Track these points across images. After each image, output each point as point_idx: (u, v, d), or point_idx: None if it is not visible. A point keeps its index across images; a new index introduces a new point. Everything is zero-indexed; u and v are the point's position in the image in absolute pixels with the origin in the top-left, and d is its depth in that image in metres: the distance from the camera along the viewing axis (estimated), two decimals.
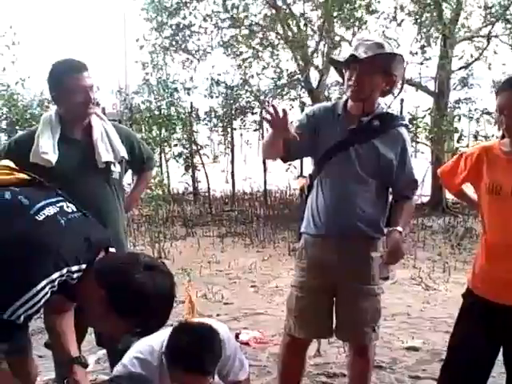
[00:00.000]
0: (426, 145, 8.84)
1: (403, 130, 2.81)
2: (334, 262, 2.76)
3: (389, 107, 2.89)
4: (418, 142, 8.78)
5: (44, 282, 1.75)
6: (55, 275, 1.78)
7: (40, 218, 1.86)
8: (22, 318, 1.75)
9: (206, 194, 10.28)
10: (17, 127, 10.38)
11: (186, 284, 4.85)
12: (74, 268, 1.84)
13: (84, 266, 1.87)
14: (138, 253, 2.23)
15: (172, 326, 2.59)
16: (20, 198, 1.92)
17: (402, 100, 8.97)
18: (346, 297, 2.80)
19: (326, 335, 3.01)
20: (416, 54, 9.07)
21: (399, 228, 2.70)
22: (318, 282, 2.80)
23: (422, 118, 8.62)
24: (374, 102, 2.77)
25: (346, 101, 2.80)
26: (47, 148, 2.80)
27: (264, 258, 6.69)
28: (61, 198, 1.99)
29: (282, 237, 7.65)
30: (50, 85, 2.87)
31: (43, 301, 1.77)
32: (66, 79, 2.78)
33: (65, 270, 1.81)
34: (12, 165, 2.15)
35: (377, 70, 2.66)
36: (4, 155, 2.76)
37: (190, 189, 10.57)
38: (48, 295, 1.78)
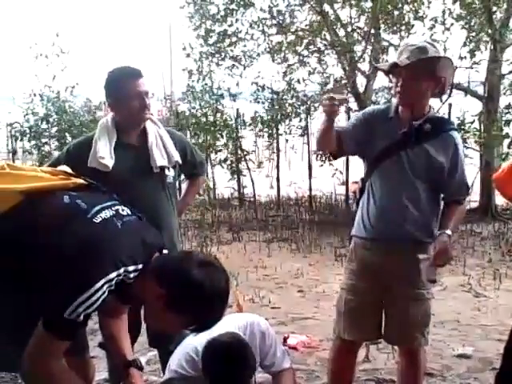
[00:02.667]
0: (475, 150, 8.69)
1: (455, 134, 2.80)
2: (383, 265, 2.77)
3: (437, 112, 2.87)
4: (467, 147, 8.63)
5: (102, 281, 1.81)
6: (113, 275, 1.84)
7: (97, 220, 1.94)
8: (81, 316, 1.81)
9: (252, 200, 10.32)
10: (66, 134, 10.64)
11: (233, 288, 4.90)
12: (131, 268, 1.90)
13: (140, 267, 1.93)
14: (191, 251, 2.29)
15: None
16: (78, 201, 2.00)
17: (451, 105, 8.82)
18: (395, 300, 2.79)
19: (375, 337, 3.02)
20: (465, 58, 8.93)
21: (448, 231, 2.68)
22: (367, 285, 2.81)
23: (471, 123, 8.46)
24: (424, 106, 2.77)
25: (398, 104, 2.81)
26: (104, 153, 2.88)
27: (310, 263, 6.69)
28: (116, 202, 2.07)
29: (328, 242, 7.62)
30: (107, 91, 2.95)
31: (101, 299, 1.84)
32: (124, 85, 2.86)
33: (122, 270, 1.87)
34: (69, 170, 2.23)
35: (422, 74, 2.66)
36: (62, 160, 2.85)
37: (236, 194, 10.63)
38: (106, 294, 1.84)
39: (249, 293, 5.43)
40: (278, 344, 2.63)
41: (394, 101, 2.86)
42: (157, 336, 3.05)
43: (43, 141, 10.94)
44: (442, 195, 2.85)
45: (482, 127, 8.67)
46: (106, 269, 1.83)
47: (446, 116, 8.88)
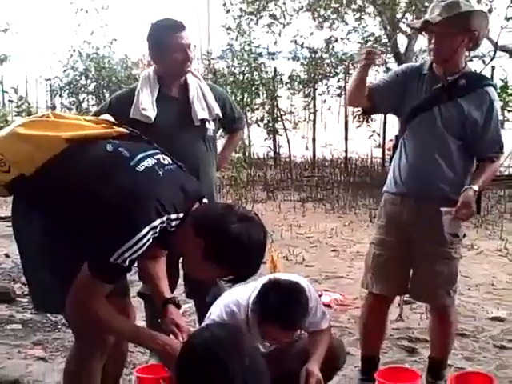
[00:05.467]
0: None
1: (491, 90, 2.75)
2: (411, 221, 2.78)
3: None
4: (510, 111, 8.44)
5: (147, 229, 1.85)
6: (157, 222, 1.88)
7: (140, 168, 1.97)
8: (127, 261, 1.87)
9: (287, 160, 10.31)
10: (104, 90, 10.72)
11: (268, 245, 4.93)
12: (173, 216, 1.94)
13: (181, 215, 1.96)
14: (232, 204, 2.32)
15: (257, 280, 2.68)
16: (121, 149, 2.03)
17: (494, 67, 8.60)
18: (421, 257, 2.80)
19: (402, 292, 3.06)
20: (511, 19, 8.66)
21: (475, 187, 2.65)
22: (395, 239, 2.83)
23: None
24: (458, 61, 2.73)
25: (432, 61, 2.77)
26: (147, 105, 2.91)
27: (345, 223, 6.69)
28: (158, 151, 2.09)
29: (363, 204, 7.61)
30: (149, 43, 2.96)
31: (146, 246, 1.88)
32: (166, 37, 2.86)
33: (165, 218, 1.91)
34: (111, 119, 2.26)
35: (454, 29, 2.63)
36: (105, 111, 2.88)
37: (271, 154, 10.63)
38: (150, 241, 1.89)
39: (283, 251, 5.47)
40: (319, 304, 2.66)
41: (429, 58, 2.83)
42: (194, 287, 3.12)
43: (82, 97, 11.05)
44: (475, 153, 2.81)
45: None
46: (150, 216, 1.87)
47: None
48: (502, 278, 4.84)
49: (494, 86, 2.87)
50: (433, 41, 2.66)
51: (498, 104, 2.79)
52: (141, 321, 3.48)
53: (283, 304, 2.33)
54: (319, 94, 10.61)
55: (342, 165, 10.09)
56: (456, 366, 3.24)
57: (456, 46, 2.66)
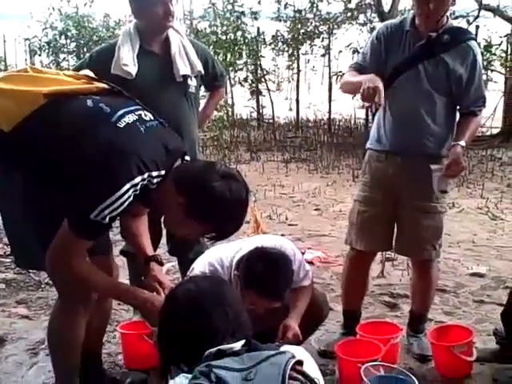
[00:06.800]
0: (501, 73, 8.49)
1: (473, 44, 2.76)
2: (396, 178, 2.80)
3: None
4: (493, 71, 8.43)
5: (128, 186, 1.84)
6: (138, 179, 1.86)
7: (121, 125, 1.94)
8: (107, 218, 1.86)
9: (271, 121, 10.27)
10: (85, 49, 10.52)
11: (251, 205, 4.95)
12: (154, 173, 1.92)
13: (163, 172, 1.95)
14: (214, 162, 2.30)
15: (243, 240, 2.69)
16: (101, 105, 1.99)
17: (478, 27, 8.55)
18: (406, 212, 2.83)
19: (386, 248, 3.09)
20: None
21: (462, 142, 2.68)
22: (380, 196, 2.85)
23: (499, 45, 8.22)
24: (444, 17, 2.71)
25: (414, 17, 2.75)
26: (127, 60, 2.86)
27: (328, 183, 6.71)
28: (139, 107, 2.06)
29: (346, 164, 7.63)
30: None
31: (127, 203, 1.87)
32: None
33: (146, 175, 1.89)
34: (91, 74, 2.22)
35: None
36: (86, 66, 2.83)
37: (255, 115, 10.57)
38: (131, 199, 1.88)
39: (266, 210, 5.49)
40: (303, 264, 2.67)
41: (410, 13, 2.81)
42: (177, 244, 3.12)
43: (62, 56, 10.84)
44: (458, 107, 2.83)
45: (510, 49, 8.43)
46: (131, 173, 1.85)
47: None
48: (483, 236, 4.91)
49: (476, 40, 2.87)
50: (431, 5, 2.60)
51: (480, 58, 2.79)
52: (124, 279, 3.48)
53: (270, 275, 2.34)
54: (303, 54, 10.51)
55: (326, 126, 10.08)
56: (436, 320, 3.29)
57: (448, 6, 2.67)
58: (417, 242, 2.85)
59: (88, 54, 3.09)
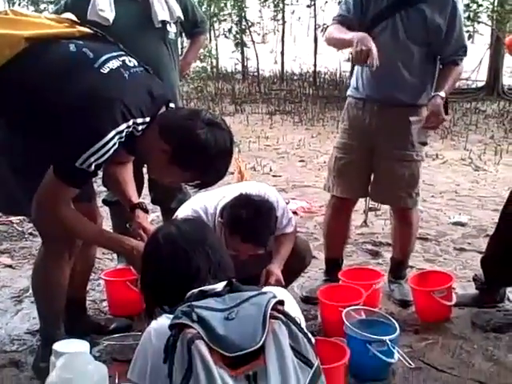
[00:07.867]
0: (487, 25, 8.43)
1: None
2: (373, 126, 2.81)
3: None
4: (480, 22, 8.38)
5: (113, 133, 1.81)
6: (123, 126, 1.84)
7: (105, 71, 1.90)
8: (92, 166, 1.83)
9: (255, 74, 10.17)
10: None
11: (235, 156, 4.92)
12: (139, 120, 1.89)
13: (148, 120, 1.92)
14: (199, 109, 2.27)
15: (226, 188, 2.68)
16: (84, 50, 1.95)
17: None
18: (382, 160, 2.84)
19: (362, 194, 3.09)
20: None
21: (442, 93, 2.67)
22: (357, 143, 2.86)
23: None
24: None
25: None
26: (104, 5, 2.79)
27: (313, 135, 6.70)
28: (123, 52, 2.01)
29: (331, 116, 7.61)
30: None
31: (112, 150, 1.85)
32: None
33: (131, 122, 1.87)
34: (74, 18, 2.16)
35: None
36: (60, 13, 2.75)
37: (239, 67, 10.46)
38: (116, 146, 1.85)
39: (250, 162, 5.49)
40: (286, 212, 2.68)
41: None
42: (160, 193, 3.11)
43: (42, 6, 10.61)
44: (438, 58, 2.80)
45: (497, 0, 8.36)
46: (116, 120, 1.82)
47: None
48: (465, 186, 4.96)
49: None
50: None
51: (461, 6, 2.75)
52: (107, 229, 3.48)
53: (254, 221, 2.34)
54: (287, 5, 10.35)
55: (311, 78, 10.01)
56: (417, 267, 3.33)
57: None
58: (392, 190, 2.86)
59: (63, 1, 2.99)
